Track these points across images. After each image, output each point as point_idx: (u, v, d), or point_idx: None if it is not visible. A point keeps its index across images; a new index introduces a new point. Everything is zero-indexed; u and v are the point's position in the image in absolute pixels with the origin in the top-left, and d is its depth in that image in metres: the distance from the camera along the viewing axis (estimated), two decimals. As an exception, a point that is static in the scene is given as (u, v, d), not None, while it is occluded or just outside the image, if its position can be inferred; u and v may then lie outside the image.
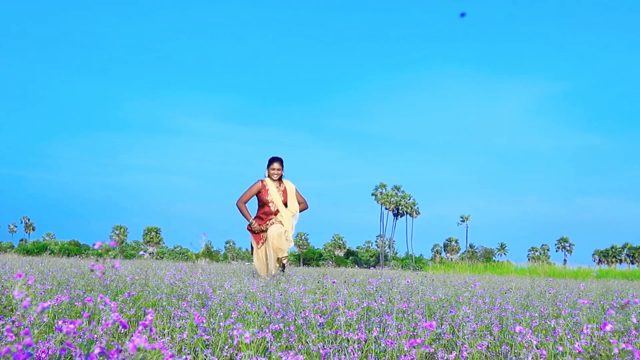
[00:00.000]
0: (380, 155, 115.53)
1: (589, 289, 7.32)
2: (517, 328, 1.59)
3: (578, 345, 1.70)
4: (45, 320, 1.96)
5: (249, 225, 6.92)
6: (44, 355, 1.82)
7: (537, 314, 3.18)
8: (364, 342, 2.53)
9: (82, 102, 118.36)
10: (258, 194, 6.93)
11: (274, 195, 6.87)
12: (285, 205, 6.97)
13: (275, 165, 7.04)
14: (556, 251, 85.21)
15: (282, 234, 6.75)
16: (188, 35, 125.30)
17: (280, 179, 7.09)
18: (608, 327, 1.19)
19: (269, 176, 7.02)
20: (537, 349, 1.82)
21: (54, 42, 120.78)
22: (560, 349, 1.74)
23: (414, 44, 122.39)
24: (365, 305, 3.19)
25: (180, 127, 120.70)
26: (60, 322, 1.51)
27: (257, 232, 6.90)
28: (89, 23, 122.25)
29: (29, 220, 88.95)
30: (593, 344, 1.74)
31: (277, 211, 6.89)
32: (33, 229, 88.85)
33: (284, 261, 6.87)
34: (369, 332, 2.61)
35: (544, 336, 2.57)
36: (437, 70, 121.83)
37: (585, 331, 1.74)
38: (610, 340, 1.08)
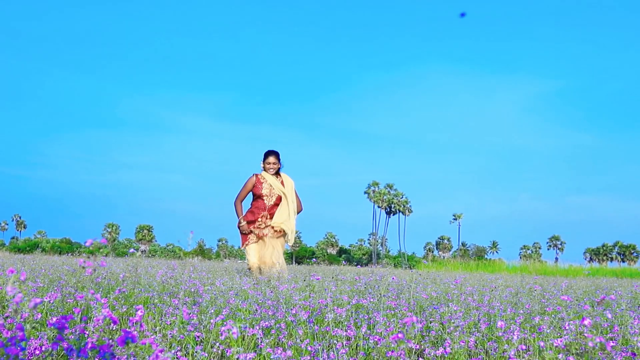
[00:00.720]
0: (373, 154, 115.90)
1: (578, 286, 7.39)
2: (499, 323, 1.64)
3: (560, 341, 1.75)
4: (39, 317, 1.98)
5: (238, 223, 6.58)
6: (37, 352, 1.84)
7: (522, 311, 3.22)
8: (352, 339, 2.57)
9: (75, 99, 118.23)
10: (253, 188, 6.58)
11: (274, 185, 6.53)
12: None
13: (271, 159, 6.65)
14: (548, 249, 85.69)
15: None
16: (183, 34, 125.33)
17: (278, 173, 6.70)
18: (586, 322, 1.23)
19: (265, 170, 6.66)
20: (520, 344, 1.86)
21: (49, 40, 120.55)
22: (542, 344, 1.79)
23: (407, 42, 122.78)
24: (354, 302, 3.22)
25: (174, 125, 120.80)
26: (53, 319, 1.54)
27: (244, 233, 6.57)
28: (84, 21, 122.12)
29: (20, 218, 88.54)
30: (574, 339, 1.78)
31: (273, 206, 6.54)
32: (24, 227, 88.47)
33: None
34: (358, 328, 2.65)
35: (530, 333, 2.62)
36: (431, 69, 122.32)
37: (567, 327, 1.78)
38: (585, 335, 1.12)
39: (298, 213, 6.75)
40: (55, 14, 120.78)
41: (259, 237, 6.50)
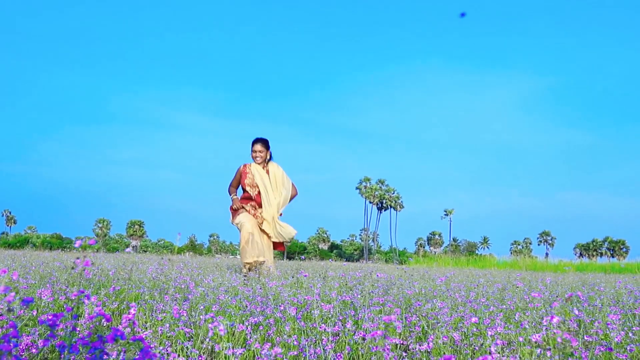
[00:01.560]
0: (365, 150, 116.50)
1: (565, 282, 7.50)
2: (473, 319, 1.70)
3: (539, 336, 1.81)
4: (34, 313, 2.02)
5: (231, 206, 6.31)
6: (34, 350, 1.89)
7: (505, 307, 3.29)
8: (339, 335, 2.62)
9: (67, 96, 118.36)
10: (240, 178, 6.34)
11: (257, 175, 6.24)
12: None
13: (257, 146, 6.32)
14: (538, 245, 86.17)
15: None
16: (175, 30, 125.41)
17: (266, 162, 6.40)
18: (555, 320, 1.29)
19: (253, 159, 6.38)
20: (497, 339, 1.92)
21: (40, 38, 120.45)
22: (521, 339, 1.86)
23: (398, 39, 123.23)
24: (341, 299, 3.28)
25: (166, 121, 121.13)
26: (44, 316, 1.59)
27: (236, 209, 6.26)
28: (76, 18, 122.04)
29: (10, 213, 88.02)
30: (552, 334, 1.85)
31: (258, 195, 6.23)
32: (14, 222, 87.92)
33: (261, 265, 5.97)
34: (344, 324, 2.71)
35: (515, 328, 2.69)
36: (422, 65, 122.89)
37: (545, 322, 1.84)
38: (554, 331, 1.18)
39: (292, 198, 6.46)
40: (47, 12, 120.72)
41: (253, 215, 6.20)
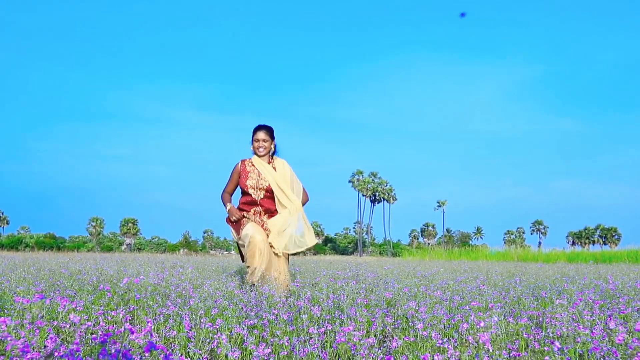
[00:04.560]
0: (357, 142, 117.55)
1: (546, 275, 7.88)
2: (419, 325, 2.06)
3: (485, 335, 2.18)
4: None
5: (227, 217, 5.13)
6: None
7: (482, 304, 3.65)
8: (326, 334, 2.98)
9: (59, 93, 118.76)
10: (239, 178, 5.11)
11: (263, 171, 5.08)
12: (272, 193, 5.10)
13: (260, 134, 5.12)
14: (531, 234, 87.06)
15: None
16: (167, 26, 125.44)
17: (272, 156, 5.24)
18: (481, 324, 1.64)
19: (254, 152, 5.19)
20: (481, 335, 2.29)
21: (34, 34, 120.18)
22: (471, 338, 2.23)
23: (389, 31, 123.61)
24: (329, 302, 3.64)
25: (159, 117, 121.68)
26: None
27: (235, 220, 5.03)
28: (66, 15, 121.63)
29: (2, 213, 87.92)
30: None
31: (265, 199, 5.08)
32: (7, 223, 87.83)
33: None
34: (332, 325, 3.07)
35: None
36: (412, 56, 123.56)
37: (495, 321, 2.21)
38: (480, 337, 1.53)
39: (303, 205, 5.25)
40: (41, 7, 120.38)
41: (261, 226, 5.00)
